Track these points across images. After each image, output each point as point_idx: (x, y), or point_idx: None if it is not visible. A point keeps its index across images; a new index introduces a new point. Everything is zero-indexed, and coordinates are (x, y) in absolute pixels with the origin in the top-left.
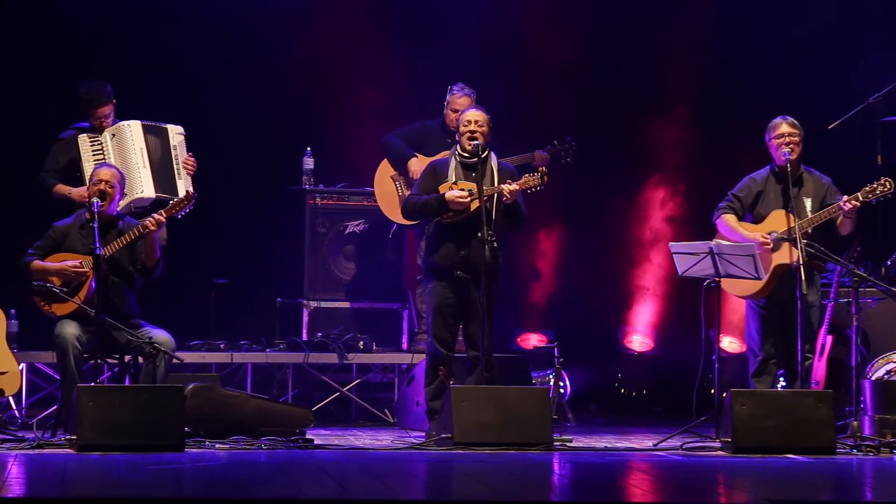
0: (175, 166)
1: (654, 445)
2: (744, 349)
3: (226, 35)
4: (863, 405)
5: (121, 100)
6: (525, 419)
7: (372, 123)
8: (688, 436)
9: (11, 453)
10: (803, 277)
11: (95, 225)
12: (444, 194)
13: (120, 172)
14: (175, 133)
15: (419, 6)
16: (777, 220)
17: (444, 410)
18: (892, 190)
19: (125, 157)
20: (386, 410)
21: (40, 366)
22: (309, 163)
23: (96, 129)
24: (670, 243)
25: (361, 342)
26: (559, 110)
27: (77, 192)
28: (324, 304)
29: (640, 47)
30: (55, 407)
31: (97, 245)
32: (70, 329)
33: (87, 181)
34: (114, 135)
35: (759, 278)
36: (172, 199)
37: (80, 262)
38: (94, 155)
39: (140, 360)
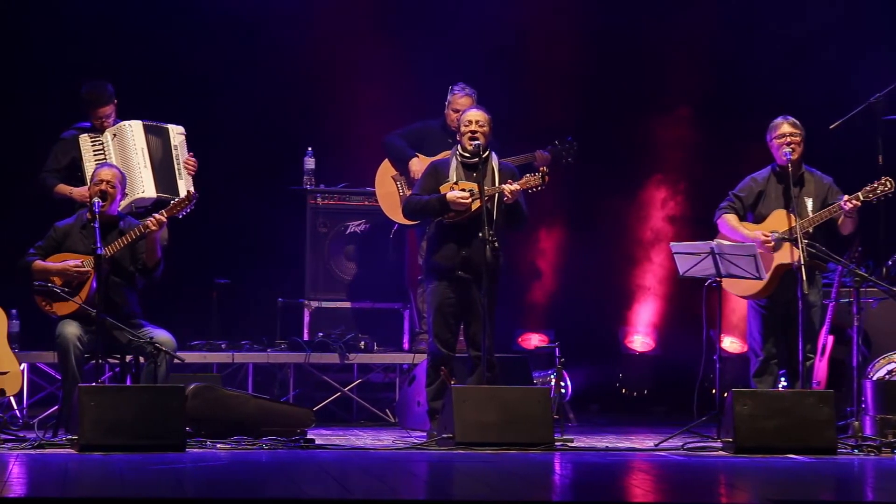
0: (176, 166)
1: (656, 445)
2: (745, 349)
3: (227, 35)
4: (864, 405)
5: (121, 100)
6: (526, 419)
7: (373, 123)
8: (689, 436)
9: (13, 453)
10: (804, 277)
11: (96, 225)
12: (445, 195)
13: (121, 172)
14: (176, 133)
15: (420, 6)
16: (778, 220)
17: (445, 410)
18: (892, 189)
19: (126, 157)
20: (387, 410)
21: (41, 366)
22: (310, 163)
23: (97, 129)
24: (671, 243)
25: (362, 342)
26: (560, 110)
27: (78, 192)
28: (325, 304)
29: (642, 47)
30: (56, 407)
31: (98, 245)
32: (71, 329)
33: (88, 181)
34: (115, 135)
35: (760, 278)
36: (173, 199)
37: (82, 262)
38: (95, 155)
39: (141, 360)
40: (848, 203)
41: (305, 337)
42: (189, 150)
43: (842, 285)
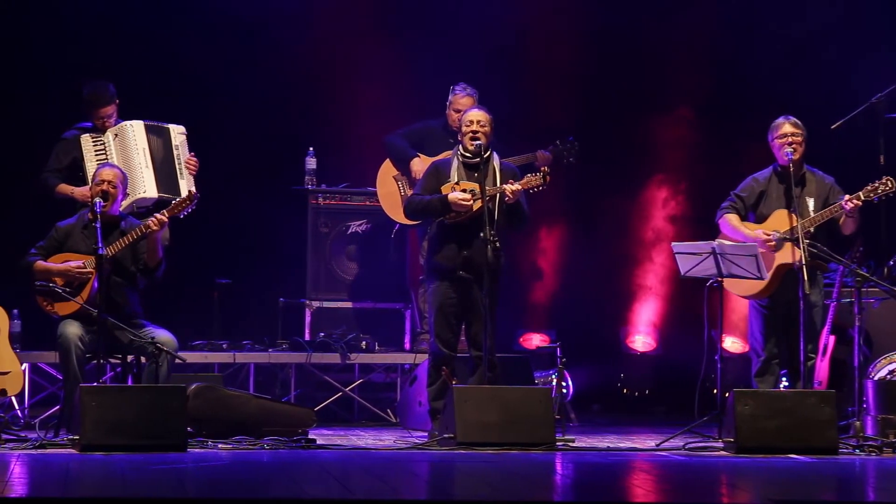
0: (177, 166)
1: (657, 445)
2: (746, 349)
3: (227, 35)
4: (865, 405)
5: (121, 100)
6: (528, 419)
7: (374, 123)
8: (690, 436)
9: (14, 453)
10: (806, 277)
11: (98, 225)
12: (446, 195)
13: (122, 172)
14: (177, 133)
15: (420, 6)
16: (780, 220)
17: (446, 410)
18: (893, 189)
19: (128, 157)
20: (388, 410)
21: (43, 366)
22: (311, 163)
23: (99, 129)
24: (673, 243)
25: (364, 342)
26: (560, 110)
27: (80, 192)
28: (326, 304)
29: (642, 47)
30: (58, 407)
31: (100, 245)
32: (72, 329)
33: (90, 181)
34: (116, 135)
35: (761, 278)
36: (175, 199)
37: (84, 264)
38: (96, 155)
39: (143, 360)
40: (849, 203)
41: (307, 337)
42: (190, 150)
43: (843, 285)
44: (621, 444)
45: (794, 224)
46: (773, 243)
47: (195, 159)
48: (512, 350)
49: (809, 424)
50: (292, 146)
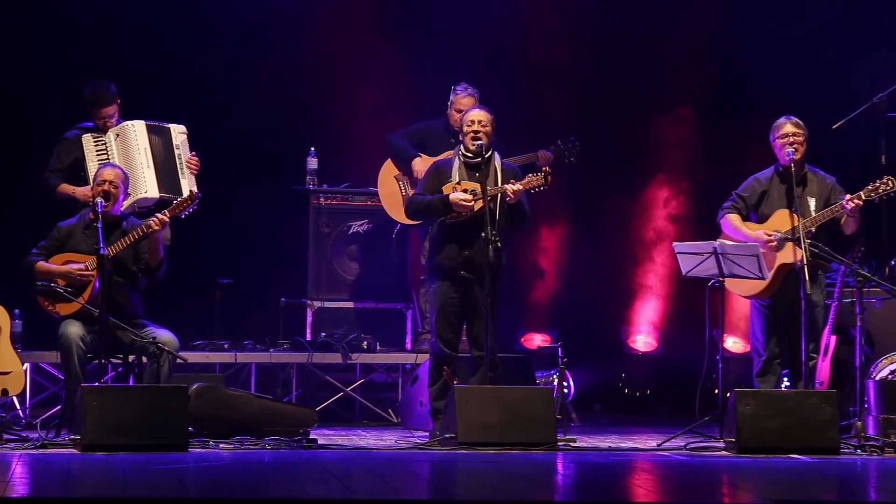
0: (178, 166)
1: (658, 445)
2: (747, 349)
3: (229, 35)
4: (867, 405)
5: (122, 100)
6: (529, 419)
7: (375, 123)
8: (692, 436)
9: (15, 453)
10: (807, 277)
11: (99, 225)
12: (448, 195)
13: (124, 172)
14: (178, 132)
15: (420, 6)
16: (781, 220)
17: (447, 410)
18: (894, 189)
19: (129, 157)
20: (390, 410)
21: (44, 366)
22: (312, 163)
23: (100, 129)
24: (674, 243)
25: (365, 342)
26: (561, 110)
27: (81, 192)
28: (327, 304)
29: (643, 47)
30: (59, 407)
31: (101, 245)
32: (74, 329)
33: (91, 181)
34: (118, 135)
35: (762, 278)
36: (176, 199)
37: (85, 266)
38: (98, 155)
39: (144, 359)
40: (850, 202)
41: (308, 337)
42: (191, 150)
43: (845, 285)
44: (622, 444)
45: (796, 224)
46: (775, 243)
47: (196, 159)
48: (513, 350)
49: (811, 424)
50: (293, 146)
